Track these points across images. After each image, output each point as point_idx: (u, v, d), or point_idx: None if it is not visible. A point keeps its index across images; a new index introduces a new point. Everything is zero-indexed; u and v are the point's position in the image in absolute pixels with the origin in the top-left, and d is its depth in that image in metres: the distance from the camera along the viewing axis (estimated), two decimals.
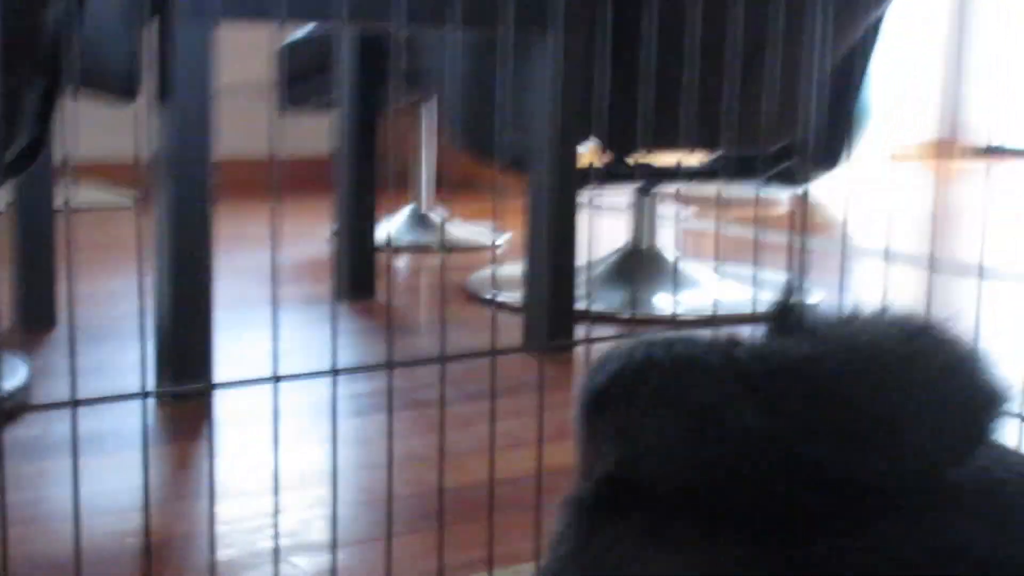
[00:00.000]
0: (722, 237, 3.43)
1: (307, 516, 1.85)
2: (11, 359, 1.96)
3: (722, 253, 3.10)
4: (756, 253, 1.57)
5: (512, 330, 2.17)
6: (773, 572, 0.60)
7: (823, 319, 0.65)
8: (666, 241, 3.08)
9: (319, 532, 1.83)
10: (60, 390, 1.20)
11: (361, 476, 2.00)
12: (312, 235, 3.33)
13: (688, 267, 2.59)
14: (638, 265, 2.54)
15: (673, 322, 1.40)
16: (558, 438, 2.03)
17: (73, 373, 1.17)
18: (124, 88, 1.85)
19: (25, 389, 2.23)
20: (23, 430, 2.08)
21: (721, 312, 2.36)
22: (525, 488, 1.83)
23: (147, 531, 1.33)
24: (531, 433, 1.53)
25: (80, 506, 1.26)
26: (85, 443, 1.21)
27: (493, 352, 1.27)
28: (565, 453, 1.93)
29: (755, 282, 1.53)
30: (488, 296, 2.50)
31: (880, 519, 0.62)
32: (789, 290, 0.68)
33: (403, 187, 4.43)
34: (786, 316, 0.66)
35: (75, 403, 1.20)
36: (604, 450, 0.67)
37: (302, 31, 3.05)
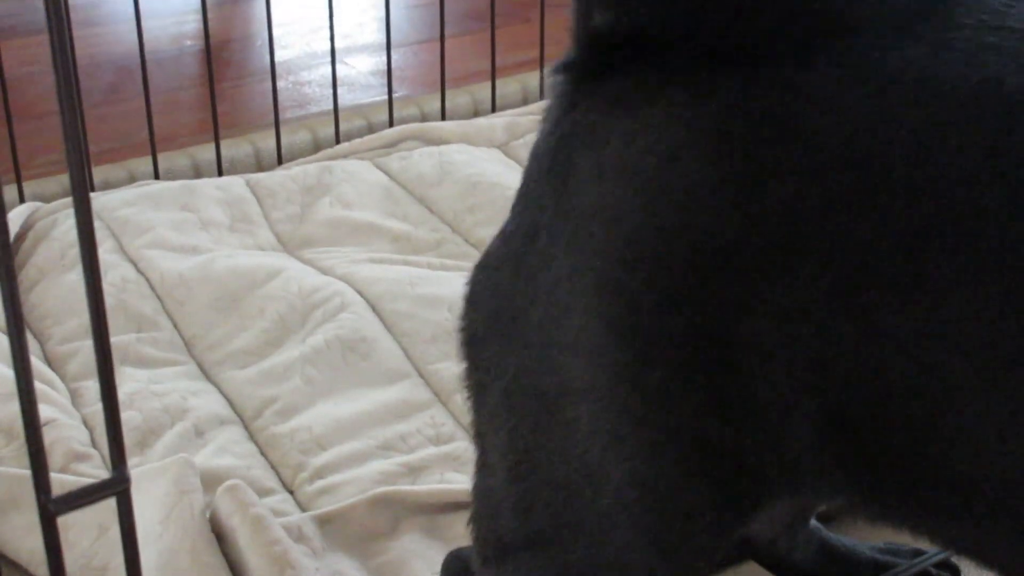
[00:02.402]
0: None
1: (362, 19, 1.86)
2: None
3: None
4: None
5: None
6: (725, 103, 0.54)
7: None
8: None
9: (373, 33, 1.84)
10: None
11: None
12: None
13: None
14: None
15: None
16: None
17: None
18: None
19: None
20: None
21: None
22: None
23: (206, 33, 1.34)
24: None
25: (140, 9, 1.27)
26: None
27: None
28: None
29: None
30: None
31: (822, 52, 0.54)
32: None
33: None
34: None
35: None
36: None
37: None
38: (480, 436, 0.65)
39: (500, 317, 0.61)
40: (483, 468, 0.65)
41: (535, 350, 0.59)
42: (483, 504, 0.66)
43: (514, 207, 0.62)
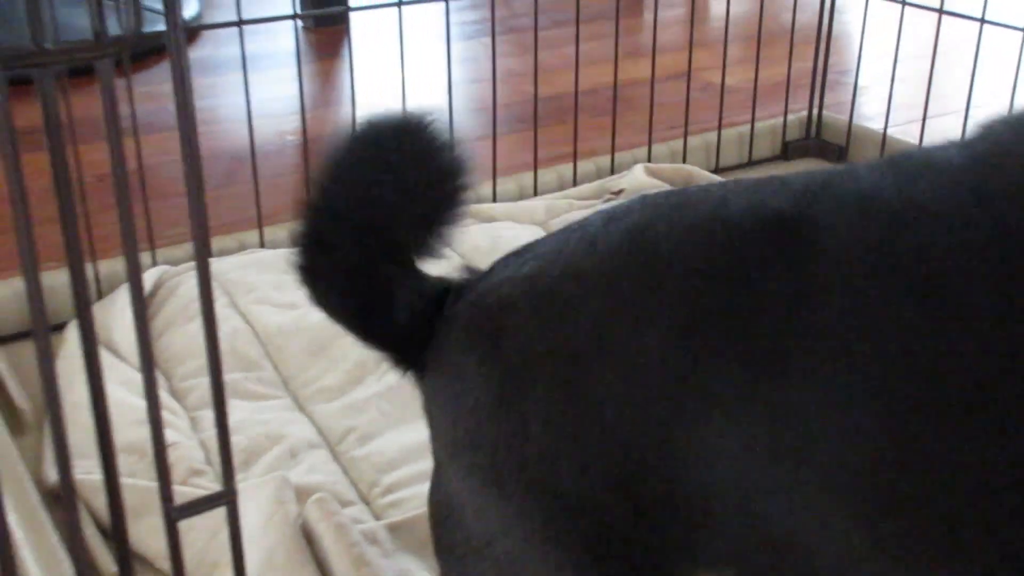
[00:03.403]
0: None
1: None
2: None
3: None
4: None
5: None
6: None
7: None
8: None
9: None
10: (227, 17, 1.25)
11: (471, 88, 1.99)
12: None
13: None
14: None
15: None
16: (631, 55, 2.06)
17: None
18: None
19: (197, 17, 2.27)
20: (197, 51, 2.13)
21: None
22: (603, 97, 1.89)
23: (304, 130, 1.35)
24: (608, 52, 1.55)
25: (251, 110, 1.29)
26: (247, 62, 1.27)
27: None
28: (637, 68, 1.97)
29: None
30: None
31: None
32: None
33: None
34: None
35: (240, 23, 1.25)
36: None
37: None
38: None
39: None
40: None
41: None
42: None
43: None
